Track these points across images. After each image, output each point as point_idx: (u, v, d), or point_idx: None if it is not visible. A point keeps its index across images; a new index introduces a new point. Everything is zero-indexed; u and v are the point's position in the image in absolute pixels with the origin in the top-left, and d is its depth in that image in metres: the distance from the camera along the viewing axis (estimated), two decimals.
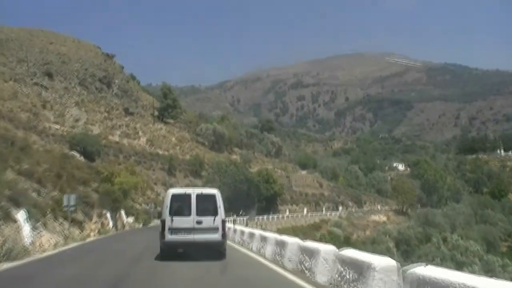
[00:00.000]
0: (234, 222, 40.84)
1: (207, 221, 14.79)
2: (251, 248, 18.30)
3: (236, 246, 20.90)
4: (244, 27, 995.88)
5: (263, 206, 75.89)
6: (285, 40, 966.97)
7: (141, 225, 43.05)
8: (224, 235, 15.12)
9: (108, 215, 31.54)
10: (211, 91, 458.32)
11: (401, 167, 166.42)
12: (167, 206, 14.87)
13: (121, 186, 39.15)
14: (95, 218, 28.22)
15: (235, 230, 25.97)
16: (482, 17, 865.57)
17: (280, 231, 60.81)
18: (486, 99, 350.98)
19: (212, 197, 15.20)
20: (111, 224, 31.62)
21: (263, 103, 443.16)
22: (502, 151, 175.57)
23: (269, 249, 15.13)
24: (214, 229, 14.79)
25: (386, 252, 53.34)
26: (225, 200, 49.99)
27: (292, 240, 12.82)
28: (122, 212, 37.39)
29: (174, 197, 15.14)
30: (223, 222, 14.99)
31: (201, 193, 15.39)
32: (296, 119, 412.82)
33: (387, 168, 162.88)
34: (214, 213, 14.90)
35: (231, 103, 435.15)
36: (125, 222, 37.80)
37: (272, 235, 15.79)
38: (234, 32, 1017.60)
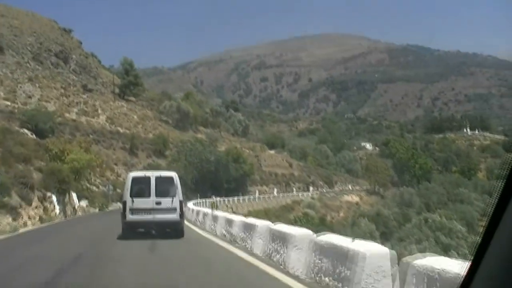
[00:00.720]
0: (213, 206, 30.87)
1: (166, 202, 15.70)
2: (251, 249, 12.09)
3: (224, 245, 14.43)
4: (206, 7, 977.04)
5: (232, 187, 71.58)
6: (247, 21, 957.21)
7: (97, 210, 37.48)
8: (181, 215, 16.05)
9: (54, 198, 26.08)
10: (174, 72, 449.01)
11: (369, 146, 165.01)
12: (127, 189, 15.83)
13: (73, 164, 33.61)
14: (35, 203, 22.86)
15: (215, 218, 19.34)
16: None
17: (251, 214, 56.56)
18: (448, 80, 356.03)
19: (170, 179, 16.24)
20: (57, 209, 26.20)
21: (227, 84, 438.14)
22: (469, 130, 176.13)
23: (295, 258, 8.63)
24: (172, 209, 15.67)
25: (369, 236, 49.68)
26: (191, 181, 44.68)
27: (363, 247, 6.40)
28: (73, 195, 31.85)
29: (135, 179, 16.12)
30: (181, 202, 15.96)
31: (160, 176, 16.49)
32: (259, 100, 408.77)
33: (355, 147, 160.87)
34: (172, 194, 15.84)
35: (194, 85, 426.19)
36: (77, 206, 32.24)
37: (300, 232, 9.06)
38: (197, 13, 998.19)
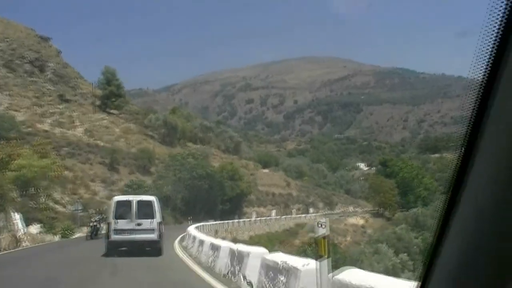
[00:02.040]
0: (323, 247, 5.64)
1: (146, 223, 17.64)
2: None
3: None
4: (192, 30, 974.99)
5: (227, 208, 62.78)
6: (233, 45, 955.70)
7: (57, 237, 27.60)
8: (160, 235, 17.86)
9: None
10: (159, 94, 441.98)
11: (363, 166, 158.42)
12: (112, 211, 17.81)
13: (21, 173, 24.20)
14: None
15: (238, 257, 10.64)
16: (427, 24, 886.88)
17: (253, 239, 47.43)
18: (434, 102, 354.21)
19: (150, 203, 18.28)
20: None
21: (211, 106, 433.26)
22: None
23: None
24: (151, 230, 17.60)
25: (401, 267, 40.98)
26: (181, 201, 36.05)
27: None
28: (16, 216, 22.26)
29: (118, 203, 18.15)
30: (160, 224, 17.91)
31: (141, 200, 18.59)
32: (244, 122, 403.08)
33: (350, 167, 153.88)
34: (152, 216, 17.85)
35: (179, 106, 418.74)
36: (21, 233, 22.51)
37: None
38: (182, 35, 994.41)
